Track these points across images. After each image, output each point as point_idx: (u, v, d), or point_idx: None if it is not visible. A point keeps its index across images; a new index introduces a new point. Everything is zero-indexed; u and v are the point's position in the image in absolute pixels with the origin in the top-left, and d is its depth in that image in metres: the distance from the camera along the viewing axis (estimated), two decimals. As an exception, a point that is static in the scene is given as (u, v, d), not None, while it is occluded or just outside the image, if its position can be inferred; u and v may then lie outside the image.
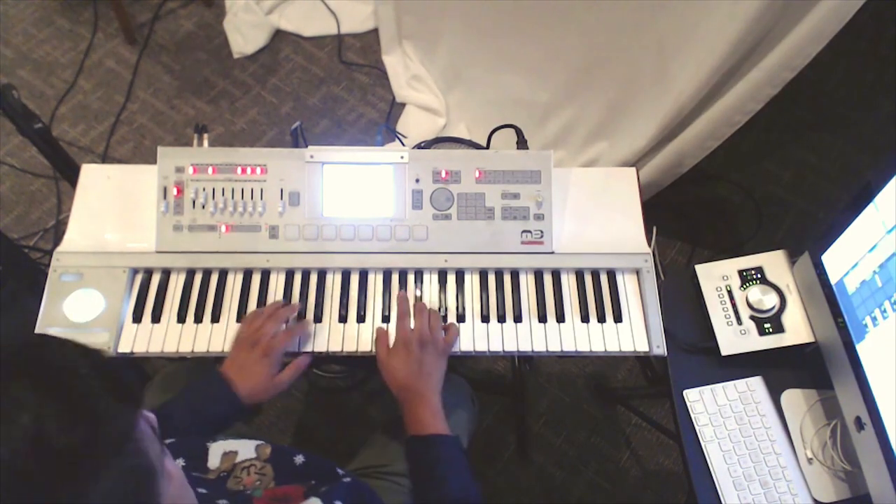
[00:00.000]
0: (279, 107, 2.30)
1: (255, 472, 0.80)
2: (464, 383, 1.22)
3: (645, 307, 1.09)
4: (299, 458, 0.84)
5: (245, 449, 0.84)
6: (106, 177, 1.15)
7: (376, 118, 2.29)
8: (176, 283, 1.10)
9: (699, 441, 1.04)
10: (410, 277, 1.11)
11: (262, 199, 1.09)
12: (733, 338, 1.09)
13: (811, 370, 1.07)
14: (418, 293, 1.10)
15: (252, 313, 1.05)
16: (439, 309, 1.09)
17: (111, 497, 0.44)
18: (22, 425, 0.42)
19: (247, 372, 0.97)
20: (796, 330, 1.09)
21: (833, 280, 1.02)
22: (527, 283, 1.12)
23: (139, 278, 1.10)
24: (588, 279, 1.12)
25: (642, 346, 1.07)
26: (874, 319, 0.92)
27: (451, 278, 1.12)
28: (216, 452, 0.83)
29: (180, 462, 0.78)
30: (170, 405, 0.93)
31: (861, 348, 0.95)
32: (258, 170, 1.10)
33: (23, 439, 0.41)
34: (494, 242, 1.10)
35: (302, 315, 1.08)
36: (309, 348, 1.05)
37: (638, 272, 1.12)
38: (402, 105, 2.27)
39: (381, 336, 1.03)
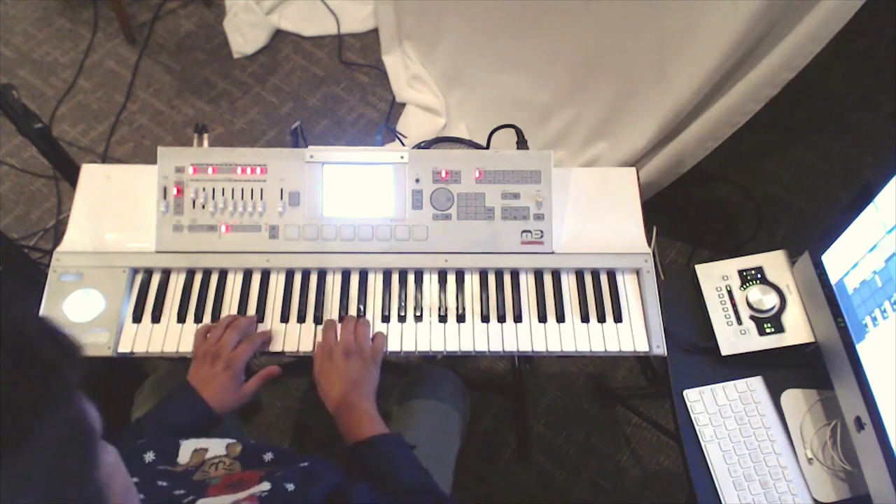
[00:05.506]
0: (279, 107, 2.30)
1: (224, 467, 0.80)
2: (452, 376, 1.19)
3: (645, 307, 1.09)
4: (269, 455, 0.84)
5: (215, 446, 0.83)
6: (106, 177, 1.15)
7: (376, 118, 2.29)
8: (176, 283, 1.10)
9: (699, 441, 1.04)
10: (410, 277, 1.11)
11: (262, 199, 1.09)
12: (733, 338, 1.09)
13: (811, 370, 1.07)
14: (418, 294, 1.10)
15: (204, 326, 1.04)
16: (439, 309, 1.09)
17: (53, 433, 0.44)
18: None
19: (211, 385, 0.95)
20: (796, 330, 1.09)
21: (833, 280, 1.02)
22: (527, 283, 1.12)
23: (139, 278, 1.10)
24: (588, 279, 1.12)
25: (642, 346, 1.07)
26: (874, 319, 0.92)
27: (451, 278, 1.12)
28: (187, 449, 0.82)
29: (150, 456, 0.78)
30: (142, 421, 0.92)
31: (861, 348, 0.95)
32: (258, 170, 1.10)
33: None
34: (494, 242, 1.10)
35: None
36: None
37: (638, 272, 1.12)
38: (402, 105, 2.27)
39: (316, 354, 1.01)
